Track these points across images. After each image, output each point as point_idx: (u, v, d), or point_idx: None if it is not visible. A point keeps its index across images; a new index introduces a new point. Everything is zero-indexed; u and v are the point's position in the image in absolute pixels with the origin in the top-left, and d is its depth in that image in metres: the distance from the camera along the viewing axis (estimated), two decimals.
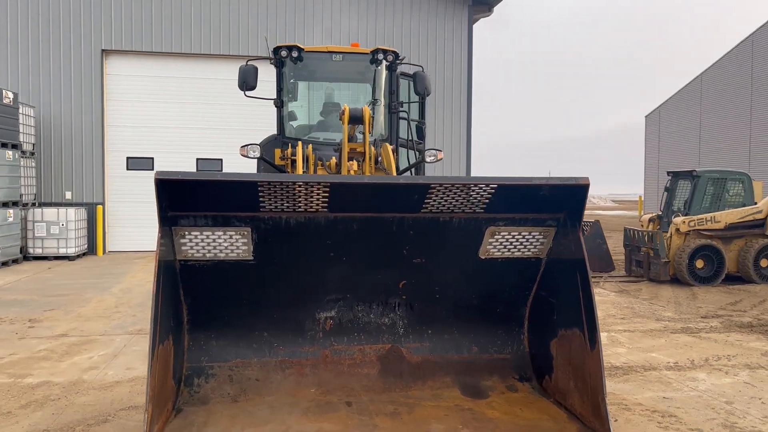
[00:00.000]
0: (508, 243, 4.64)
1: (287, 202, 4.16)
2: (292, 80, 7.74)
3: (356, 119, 5.55)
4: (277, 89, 7.70)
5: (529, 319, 5.11)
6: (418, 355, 5.03)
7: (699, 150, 37.09)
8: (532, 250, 4.70)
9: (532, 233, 4.59)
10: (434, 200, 4.23)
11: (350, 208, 4.28)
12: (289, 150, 6.82)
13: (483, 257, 4.70)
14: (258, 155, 6.78)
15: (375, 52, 7.59)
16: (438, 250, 4.66)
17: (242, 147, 6.86)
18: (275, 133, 7.95)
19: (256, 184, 3.97)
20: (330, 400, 4.59)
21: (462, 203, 4.29)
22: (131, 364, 5.84)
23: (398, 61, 7.67)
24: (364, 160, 5.60)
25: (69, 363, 5.90)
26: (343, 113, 5.52)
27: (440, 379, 4.92)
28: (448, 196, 4.18)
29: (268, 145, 7.73)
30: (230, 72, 15.62)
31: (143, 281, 10.91)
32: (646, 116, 42.80)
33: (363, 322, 5.01)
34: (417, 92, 7.71)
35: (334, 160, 6.53)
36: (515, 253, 4.70)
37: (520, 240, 4.63)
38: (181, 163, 15.75)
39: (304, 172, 6.28)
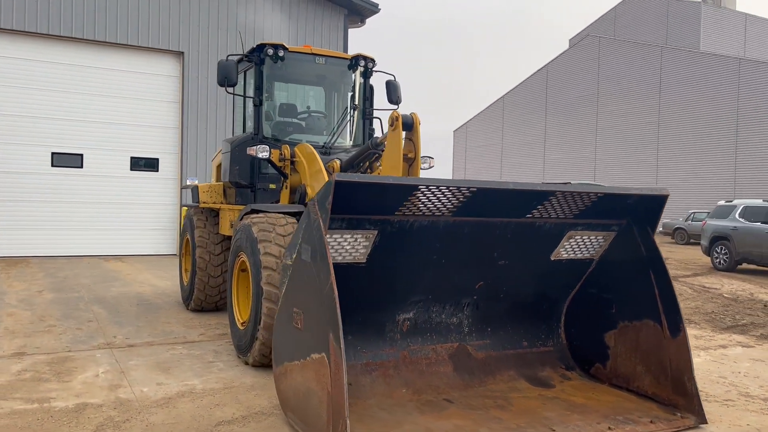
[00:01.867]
0: (577, 246, 5.18)
1: (429, 205, 4.26)
2: (267, 79, 7.52)
3: (408, 126, 5.68)
4: (255, 87, 7.44)
5: (566, 315, 5.70)
6: (482, 352, 5.35)
7: (501, 164, 41.12)
8: (590, 252, 5.29)
9: (597, 237, 5.18)
10: (547, 206, 4.62)
11: (473, 213, 4.49)
12: (287, 151, 6.66)
13: (553, 259, 5.19)
14: (267, 155, 6.54)
15: (356, 58, 7.70)
16: (521, 252, 5.04)
17: (250, 147, 6.57)
18: (244, 132, 7.63)
19: (416, 188, 4.03)
20: (429, 399, 4.75)
21: (565, 209, 4.74)
22: (158, 379, 5.34)
23: (372, 69, 7.86)
24: (412, 164, 5.75)
25: (80, 382, 5.22)
26: (395, 119, 5.62)
27: (505, 372, 5.31)
28: (560, 202, 4.60)
29: (242, 145, 7.42)
30: (93, 59, 14.35)
31: (31, 290, 9.64)
32: (454, 131, 46.47)
33: (435, 323, 5.21)
34: (391, 101, 7.95)
35: (337, 163, 6.55)
36: (578, 255, 5.26)
37: (586, 243, 5.19)
38: (31, 157, 14.09)
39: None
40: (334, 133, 7.78)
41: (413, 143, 5.72)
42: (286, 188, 6.77)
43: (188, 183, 9.90)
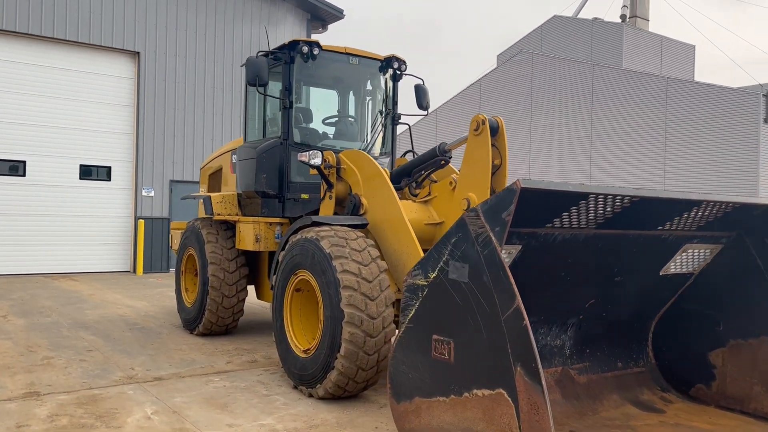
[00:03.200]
0: (686, 260, 4.89)
1: (581, 217, 3.82)
2: (297, 80, 6.86)
3: (493, 130, 5.22)
4: (283, 88, 6.76)
5: (654, 333, 5.40)
6: (584, 376, 4.96)
7: None
8: (693, 265, 5.02)
9: (704, 250, 4.91)
10: (684, 217, 4.29)
11: (616, 225, 4.10)
12: (332, 158, 6.04)
13: (661, 274, 4.87)
14: (320, 162, 5.89)
15: (389, 59, 7.19)
16: (637, 267, 4.69)
17: (301, 153, 5.90)
18: (274, 137, 6.92)
19: (587, 196, 3.59)
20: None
21: (694, 221, 4.42)
22: (224, 419, 4.59)
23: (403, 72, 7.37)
24: (496, 173, 5.27)
25: (135, 427, 4.39)
26: (480, 123, 5.14)
27: (608, 396, 4.93)
28: (698, 213, 4.28)
29: (271, 151, 6.72)
30: (39, 57, 13.10)
31: None
32: None
33: (540, 346, 4.76)
34: (420, 106, 7.49)
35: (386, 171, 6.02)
36: (682, 269, 4.97)
37: (694, 256, 4.91)
38: None
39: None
40: (368, 140, 7.23)
41: (498, 149, 5.27)
42: (330, 198, 6.14)
43: (194, 194, 9.00)
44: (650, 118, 30.28)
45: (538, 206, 3.62)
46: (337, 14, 16.57)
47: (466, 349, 3.48)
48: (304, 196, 6.73)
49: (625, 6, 43.31)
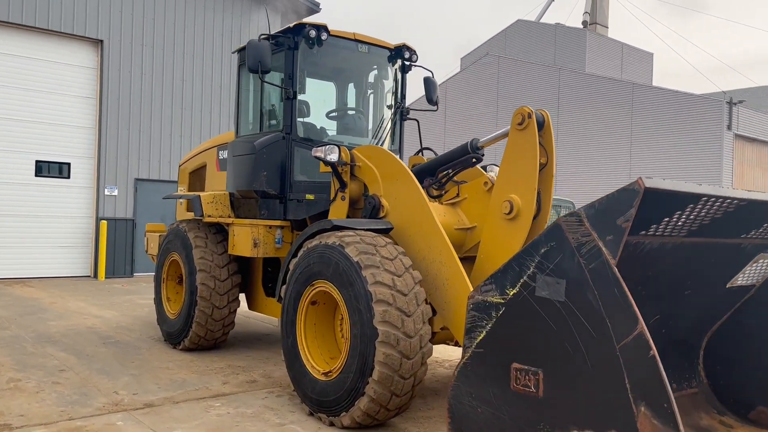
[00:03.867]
0: (755, 271, 4.43)
1: (676, 223, 3.29)
2: (302, 67, 6.19)
3: (539, 125, 4.66)
4: (286, 77, 6.08)
5: (706, 350, 4.94)
6: None
7: None
8: (757, 277, 4.57)
9: None
10: None
11: (705, 233, 3.58)
12: (345, 154, 5.39)
13: (728, 286, 4.41)
14: (337, 159, 5.24)
15: (400, 48, 6.59)
16: (707, 279, 4.21)
17: (316, 148, 5.24)
18: (275, 130, 6.23)
19: (705, 198, 3.06)
20: None
21: None
22: None
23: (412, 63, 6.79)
24: (541, 172, 4.71)
25: None
26: (526, 117, 4.57)
27: None
28: None
29: (272, 146, 6.04)
30: None
31: None
32: None
33: None
34: (430, 100, 6.90)
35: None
36: (746, 281, 4.52)
37: (761, 267, 4.46)
38: None
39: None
40: (376, 136, 6.61)
41: (544, 147, 4.71)
42: (343, 200, 5.49)
43: (178, 193, 8.19)
44: (615, 122, 30.47)
45: (639, 210, 3.08)
46: (313, 8, 15.86)
47: (562, 382, 2.90)
48: (309, 196, 6.06)
49: (587, 12, 43.78)
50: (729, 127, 27.32)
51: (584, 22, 43.46)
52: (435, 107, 6.97)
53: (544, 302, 2.97)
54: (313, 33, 5.96)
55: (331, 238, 4.66)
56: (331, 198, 5.63)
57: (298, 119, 6.20)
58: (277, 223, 6.10)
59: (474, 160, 5.21)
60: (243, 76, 6.86)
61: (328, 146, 5.22)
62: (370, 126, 6.66)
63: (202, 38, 14.60)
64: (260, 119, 6.57)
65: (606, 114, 30.92)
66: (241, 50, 6.76)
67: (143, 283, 12.55)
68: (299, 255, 4.98)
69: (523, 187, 4.61)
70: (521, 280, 3.07)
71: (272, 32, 6.21)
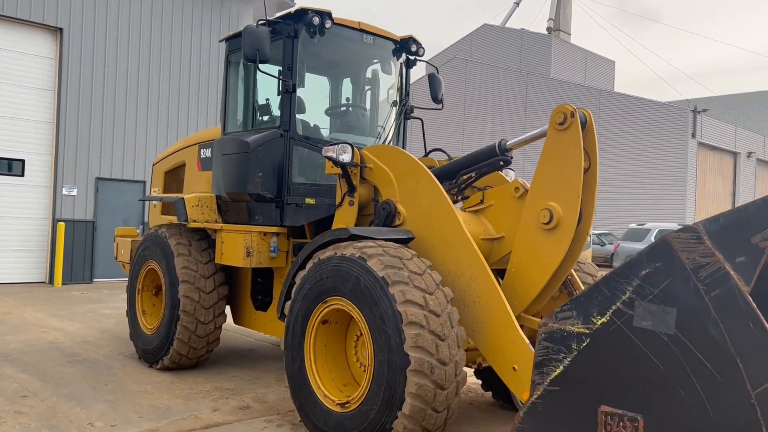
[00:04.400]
0: None
1: None
2: (302, 57, 5.60)
3: (582, 126, 4.19)
4: (285, 67, 5.49)
5: None
6: None
7: None
8: None
9: None
10: None
11: None
12: (356, 155, 4.82)
13: None
14: (350, 159, 4.67)
15: (406, 41, 6.07)
16: None
17: (327, 147, 4.66)
18: (270, 127, 5.61)
19: None
20: None
21: None
22: None
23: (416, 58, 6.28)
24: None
25: None
26: (568, 116, 4.08)
27: None
28: None
29: (268, 144, 5.43)
30: None
31: None
32: None
33: None
34: (435, 99, 6.40)
35: None
36: None
37: None
38: None
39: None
40: (381, 135, 6.08)
41: (586, 150, 4.23)
42: (352, 205, 4.92)
43: (155, 195, 7.47)
44: None
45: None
46: (288, 2, 15.20)
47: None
48: (309, 200, 5.49)
49: (551, 19, 44.10)
50: (693, 135, 27.69)
51: (549, 29, 43.76)
52: (441, 106, 6.47)
53: (646, 334, 2.48)
54: (316, 20, 5.38)
55: (349, 249, 4.09)
56: (337, 203, 5.06)
57: (298, 114, 5.60)
58: (273, 229, 5.50)
59: (502, 163, 4.71)
60: (232, 67, 6.23)
61: (339, 145, 4.65)
62: (373, 124, 6.11)
63: (170, 29, 13.79)
64: (252, 115, 5.96)
65: None
66: (231, 38, 6.14)
67: (105, 290, 11.68)
68: (308, 267, 4.40)
69: (565, 194, 4.12)
70: (613, 307, 2.57)
71: (269, 18, 5.60)
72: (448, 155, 5.57)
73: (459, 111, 35.26)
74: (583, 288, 4.53)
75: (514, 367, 3.89)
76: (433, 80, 6.39)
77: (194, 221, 5.85)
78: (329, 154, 4.63)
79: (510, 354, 3.92)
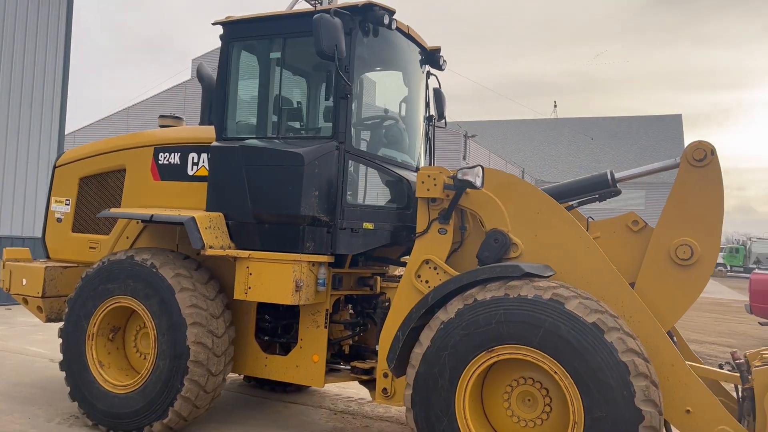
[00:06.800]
0: None
1: None
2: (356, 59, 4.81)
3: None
4: (341, 67, 4.65)
5: None
6: None
7: None
8: None
9: None
10: None
11: None
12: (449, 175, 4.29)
13: None
14: (481, 185, 4.09)
15: (436, 52, 5.63)
16: None
17: (464, 170, 4.01)
18: (320, 137, 4.71)
19: None
20: None
21: None
22: None
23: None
24: None
25: None
26: (709, 153, 4.06)
27: None
28: None
29: (325, 159, 4.56)
30: None
31: None
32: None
33: None
34: (441, 115, 6.03)
35: None
36: None
37: None
38: None
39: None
40: (418, 150, 5.54)
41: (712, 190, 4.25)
42: (443, 233, 4.34)
43: (121, 210, 5.71)
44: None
45: None
46: None
47: None
48: (368, 225, 4.73)
49: None
50: (464, 158, 30.48)
51: None
52: (444, 123, 6.10)
53: None
54: (386, 18, 4.67)
55: (525, 290, 3.60)
56: (420, 230, 4.43)
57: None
58: (323, 258, 4.61)
59: (612, 194, 4.59)
60: (235, 58, 5.09)
61: (476, 168, 4.07)
62: (413, 139, 5.50)
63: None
64: (273, 118, 4.94)
65: None
66: (235, 23, 5.03)
67: None
68: (453, 310, 3.77)
69: (704, 231, 4.15)
70: None
71: (326, 7, 4.71)
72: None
73: None
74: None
75: (687, 410, 3.79)
76: (438, 96, 5.98)
77: (211, 247, 4.62)
78: (468, 178, 4.02)
79: (680, 396, 3.81)
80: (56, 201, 6.08)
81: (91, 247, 5.76)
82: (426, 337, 3.85)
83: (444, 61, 5.68)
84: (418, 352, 3.87)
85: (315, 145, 4.61)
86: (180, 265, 4.77)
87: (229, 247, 4.76)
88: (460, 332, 3.72)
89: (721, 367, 4.30)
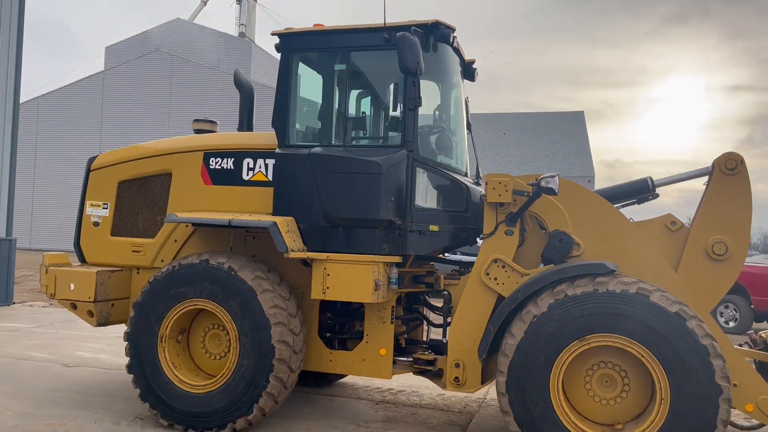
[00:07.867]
0: None
1: None
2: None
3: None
4: (409, 81, 4.97)
5: None
6: None
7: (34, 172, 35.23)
8: None
9: None
10: None
11: None
12: (516, 181, 4.77)
13: None
14: (557, 190, 4.54)
15: (471, 64, 6.05)
16: None
17: (547, 178, 4.45)
18: (390, 144, 5.04)
19: None
20: None
21: None
22: None
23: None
24: None
25: None
26: (739, 163, 4.70)
27: None
28: None
29: (398, 166, 4.90)
30: None
31: None
32: None
33: None
34: (468, 123, 6.46)
35: None
36: None
37: None
38: None
39: None
40: (465, 156, 5.98)
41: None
42: (509, 234, 4.81)
43: (91, 208, 5.71)
44: None
45: None
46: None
47: None
48: (433, 227, 5.11)
49: (243, 24, 44.27)
50: None
51: (241, 33, 43.77)
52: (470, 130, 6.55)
53: None
54: (450, 37, 5.06)
55: (612, 285, 4.13)
56: (486, 231, 4.88)
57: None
58: (395, 259, 4.96)
59: (651, 198, 5.20)
60: (294, 68, 5.29)
61: (554, 176, 4.53)
62: (459, 146, 5.88)
63: None
64: (337, 127, 5.21)
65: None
66: (289, 35, 5.25)
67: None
68: (544, 304, 4.24)
69: (736, 231, 4.81)
70: None
71: (399, 23, 5.01)
72: None
73: (164, 101, 33.35)
74: None
75: (734, 384, 4.43)
76: (467, 105, 6.38)
77: (292, 251, 4.84)
78: (551, 185, 4.47)
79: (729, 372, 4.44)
80: (92, 205, 6.04)
81: (134, 251, 5.79)
82: (519, 329, 4.29)
83: (477, 73, 6.12)
84: (511, 342, 4.30)
85: (386, 153, 4.93)
86: (257, 268, 4.96)
87: (303, 250, 5.00)
88: (553, 324, 4.19)
89: (741, 346, 5.02)
